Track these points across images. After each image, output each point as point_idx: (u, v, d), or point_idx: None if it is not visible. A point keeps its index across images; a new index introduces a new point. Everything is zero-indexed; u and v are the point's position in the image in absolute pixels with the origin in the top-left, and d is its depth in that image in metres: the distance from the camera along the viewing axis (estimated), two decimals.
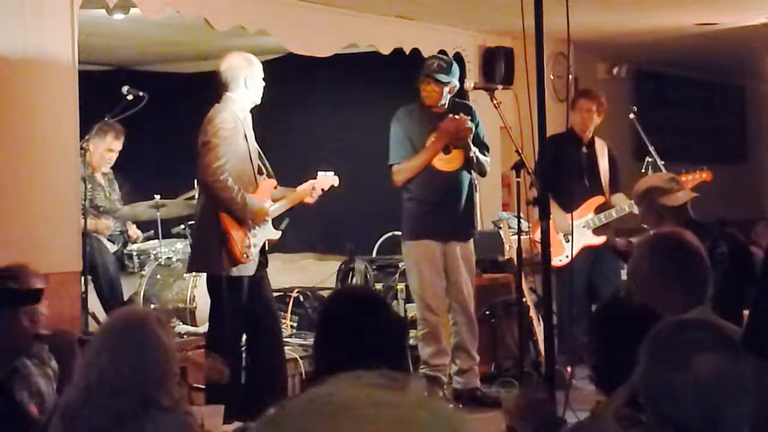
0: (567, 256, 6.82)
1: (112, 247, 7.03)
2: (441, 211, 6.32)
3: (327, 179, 6.02)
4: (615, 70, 10.48)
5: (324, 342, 2.74)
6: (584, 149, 7.11)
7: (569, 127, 6.84)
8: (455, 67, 6.44)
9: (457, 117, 6.26)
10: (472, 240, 6.53)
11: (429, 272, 6.31)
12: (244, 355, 5.77)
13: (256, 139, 5.73)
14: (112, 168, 7.19)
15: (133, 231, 7.26)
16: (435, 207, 6.32)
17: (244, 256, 5.48)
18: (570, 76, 8.00)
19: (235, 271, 5.48)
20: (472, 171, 6.45)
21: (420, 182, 6.31)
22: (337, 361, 2.50)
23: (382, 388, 1.35)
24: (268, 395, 5.34)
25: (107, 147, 6.97)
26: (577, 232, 6.78)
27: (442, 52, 8.22)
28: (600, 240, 6.98)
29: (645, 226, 5.42)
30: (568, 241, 6.66)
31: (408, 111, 6.43)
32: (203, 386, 4.87)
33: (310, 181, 5.95)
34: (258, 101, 5.67)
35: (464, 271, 6.43)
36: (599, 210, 7.00)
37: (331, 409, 1.31)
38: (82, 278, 5.88)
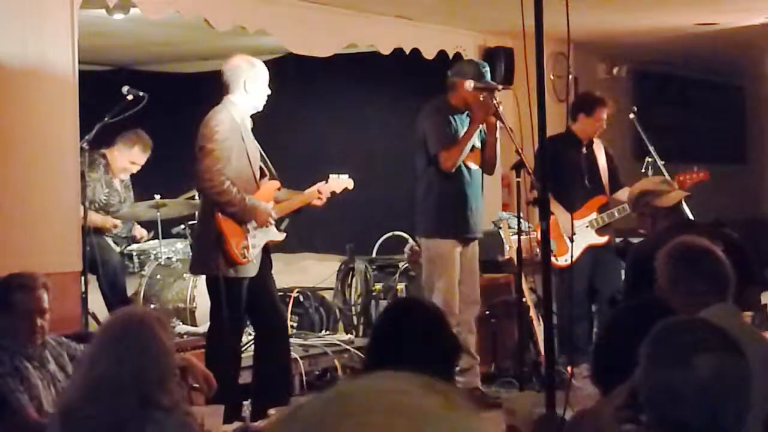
0: (573, 256, 6.82)
1: (115, 249, 7.03)
2: (464, 208, 6.27)
3: (340, 182, 5.95)
4: (615, 70, 10.47)
5: (379, 344, 2.75)
6: (584, 150, 7.12)
7: (568, 128, 6.85)
8: None
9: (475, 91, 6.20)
10: None
11: (453, 273, 6.27)
12: (253, 355, 5.77)
13: (257, 140, 5.72)
14: None
15: (138, 231, 7.26)
16: (460, 203, 6.27)
17: (242, 257, 5.47)
18: (570, 76, 7.99)
19: (233, 273, 5.45)
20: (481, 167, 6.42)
21: (445, 177, 6.25)
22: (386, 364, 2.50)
23: (407, 395, 1.31)
24: (277, 395, 5.34)
25: (131, 159, 6.96)
26: (581, 232, 6.80)
27: (442, 52, 8.23)
28: (603, 239, 6.99)
29: (641, 231, 5.43)
30: (573, 241, 6.65)
31: (438, 104, 6.37)
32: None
33: (318, 184, 5.91)
34: (259, 107, 5.60)
35: (476, 269, 6.42)
36: (602, 210, 7.01)
37: (343, 412, 1.28)
38: (83, 278, 5.87)
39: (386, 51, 7.81)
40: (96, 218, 6.55)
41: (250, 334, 6.17)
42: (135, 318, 3.18)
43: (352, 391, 1.32)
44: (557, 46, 8.03)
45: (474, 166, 6.33)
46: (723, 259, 3.37)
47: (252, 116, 5.68)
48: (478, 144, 6.32)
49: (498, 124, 6.16)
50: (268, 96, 5.64)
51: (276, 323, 5.74)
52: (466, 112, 6.30)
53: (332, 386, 1.36)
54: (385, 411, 1.26)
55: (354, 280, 7.80)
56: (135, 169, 7.04)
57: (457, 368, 6.37)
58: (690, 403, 2.07)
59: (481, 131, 6.28)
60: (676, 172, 6.65)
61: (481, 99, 6.13)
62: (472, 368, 6.43)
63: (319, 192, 5.86)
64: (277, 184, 5.80)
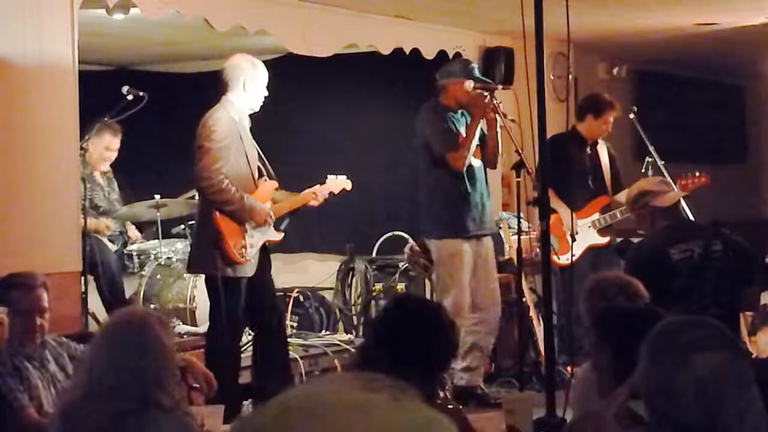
0: (574, 255, 6.81)
1: (112, 248, 7.03)
2: (471, 206, 6.23)
3: (337, 183, 5.96)
4: (615, 70, 10.47)
5: (375, 341, 2.72)
6: (588, 150, 7.13)
7: (573, 127, 6.85)
8: None
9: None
10: None
11: (464, 273, 6.23)
12: (252, 355, 5.77)
13: (257, 140, 5.72)
14: (111, 167, 7.18)
15: (132, 232, 7.26)
16: (467, 201, 6.22)
17: (240, 256, 5.47)
18: (570, 76, 8.00)
19: (231, 272, 5.46)
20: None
21: (450, 177, 6.22)
22: (379, 362, 2.46)
23: (358, 391, 1.33)
24: (277, 395, 5.32)
25: (106, 146, 6.97)
26: (583, 232, 6.80)
27: (442, 52, 8.23)
28: (605, 240, 7.00)
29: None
30: (575, 240, 6.65)
31: (433, 107, 6.35)
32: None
33: (316, 186, 5.92)
34: (256, 108, 5.63)
35: (494, 268, 6.40)
36: (604, 210, 7.01)
37: (303, 415, 1.29)
38: (82, 278, 5.87)
39: (386, 51, 7.81)
40: (90, 223, 6.53)
41: (249, 334, 6.17)
42: (136, 318, 3.19)
43: (304, 395, 1.34)
44: (557, 46, 8.03)
45: (477, 163, 6.31)
46: (630, 280, 3.78)
47: (251, 116, 5.69)
48: (477, 141, 6.32)
49: (498, 120, 6.14)
50: (268, 96, 5.66)
51: (274, 323, 5.74)
52: (461, 111, 6.29)
53: (278, 396, 1.37)
54: (344, 410, 1.27)
55: (354, 280, 7.80)
56: (112, 155, 7.03)
57: (465, 364, 6.35)
58: (689, 403, 2.07)
59: (481, 130, 6.27)
60: (678, 176, 6.63)
61: (476, 93, 6.11)
62: (478, 367, 6.40)
63: (315, 194, 5.88)
64: (275, 184, 5.81)
